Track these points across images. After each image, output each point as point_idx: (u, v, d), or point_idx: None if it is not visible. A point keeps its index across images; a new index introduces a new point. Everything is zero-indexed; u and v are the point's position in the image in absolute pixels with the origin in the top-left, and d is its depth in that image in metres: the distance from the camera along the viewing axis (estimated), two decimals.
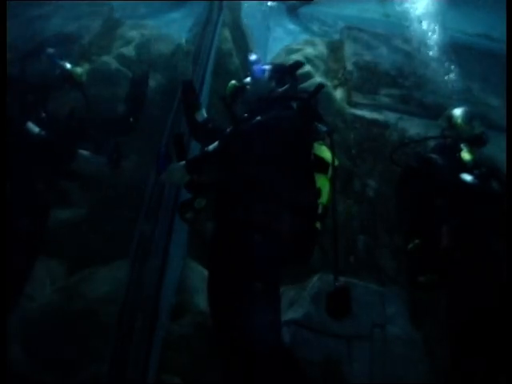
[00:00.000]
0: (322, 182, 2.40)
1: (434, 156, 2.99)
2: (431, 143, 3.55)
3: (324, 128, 2.53)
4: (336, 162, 2.51)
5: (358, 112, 5.14)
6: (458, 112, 3.23)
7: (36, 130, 2.72)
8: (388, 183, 4.44)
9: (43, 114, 2.94)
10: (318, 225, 2.37)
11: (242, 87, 2.83)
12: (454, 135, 3.14)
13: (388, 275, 4.15)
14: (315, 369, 3.40)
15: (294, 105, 2.54)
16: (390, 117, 5.16)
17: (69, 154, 2.83)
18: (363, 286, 3.85)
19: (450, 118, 3.24)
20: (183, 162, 2.39)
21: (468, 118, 3.19)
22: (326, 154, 2.48)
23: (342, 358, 3.51)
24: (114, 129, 3.27)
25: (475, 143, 3.04)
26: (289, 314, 3.62)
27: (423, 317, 3.91)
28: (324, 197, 2.38)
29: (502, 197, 2.75)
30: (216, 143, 2.33)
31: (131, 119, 3.21)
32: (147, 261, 2.90)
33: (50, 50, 3.15)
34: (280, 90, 2.70)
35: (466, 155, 2.92)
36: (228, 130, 2.56)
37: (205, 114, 2.95)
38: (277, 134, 2.31)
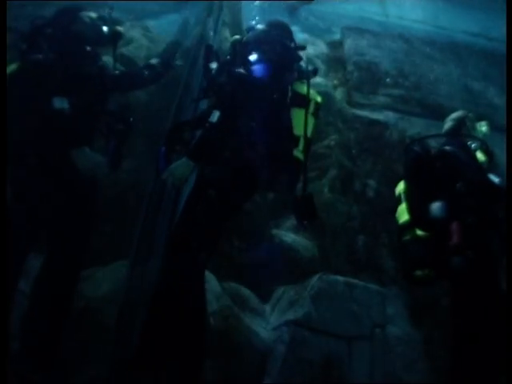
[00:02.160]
0: (300, 116, 2.61)
1: (456, 150, 2.94)
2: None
3: (309, 67, 2.76)
4: (319, 99, 2.74)
5: (358, 112, 5.14)
6: (484, 123, 3.32)
7: (62, 105, 2.71)
8: (388, 183, 4.44)
9: (100, 62, 3.12)
10: (297, 154, 2.60)
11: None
12: (476, 138, 3.13)
13: (388, 275, 4.15)
14: (315, 369, 3.40)
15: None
16: (390, 117, 5.16)
17: (80, 139, 2.84)
18: (363, 285, 3.85)
19: (470, 120, 3.25)
20: (184, 157, 2.46)
21: (477, 119, 3.29)
22: (306, 90, 2.68)
23: (342, 358, 3.51)
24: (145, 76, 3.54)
25: (485, 143, 3.06)
26: (289, 314, 3.62)
27: (423, 317, 3.91)
28: (302, 129, 2.61)
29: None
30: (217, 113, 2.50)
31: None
32: (147, 261, 2.90)
33: (94, 15, 3.35)
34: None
35: (481, 156, 2.92)
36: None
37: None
38: (253, 83, 2.58)
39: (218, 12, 4.81)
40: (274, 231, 4.22)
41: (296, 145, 2.59)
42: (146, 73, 3.60)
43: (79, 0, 5.48)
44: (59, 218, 2.92)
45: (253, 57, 2.99)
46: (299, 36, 6.47)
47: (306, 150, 2.66)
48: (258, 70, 2.82)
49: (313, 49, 5.81)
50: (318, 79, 5.24)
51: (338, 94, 5.34)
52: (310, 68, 2.76)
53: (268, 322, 3.70)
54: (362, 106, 5.23)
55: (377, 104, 5.28)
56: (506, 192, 2.72)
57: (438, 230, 2.80)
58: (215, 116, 2.49)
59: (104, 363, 2.72)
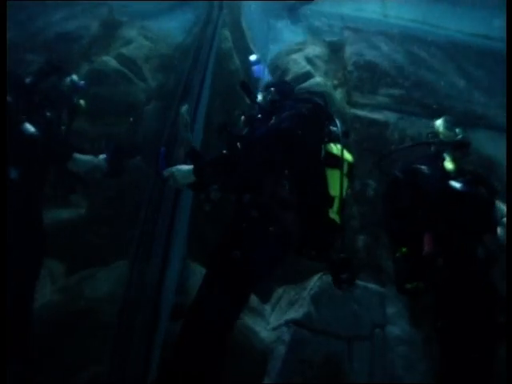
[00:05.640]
0: (335, 177, 2.50)
1: (419, 166, 3.03)
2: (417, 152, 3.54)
3: (339, 130, 2.63)
4: (350, 159, 2.63)
5: (358, 112, 5.14)
6: (439, 120, 3.27)
7: (32, 130, 2.77)
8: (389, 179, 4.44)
9: (48, 114, 3.05)
10: (333, 216, 2.48)
11: (250, 117, 2.83)
12: (437, 142, 3.15)
13: (388, 275, 4.15)
14: (315, 369, 3.40)
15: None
16: (390, 117, 5.16)
17: (63, 154, 2.87)
18: (363, 286, 3.85)
19: (433, 126, 3.27)
20: (191, 166, 2.40)
21: (449, 124, 3.22)
22: (339, 152, 2.57)
23: (342, 358, 3.51)
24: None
25: (458, 149, 3.05)
26: (289, 314, 3.62)
27: (423, 317, 3.91)
28: (338, 190, 2.51)
29: (489, 202, 2.76)
30: (231, 149, 2.41)
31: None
32: (147, 261, 2.90)
33: (76, 79, 3.32)
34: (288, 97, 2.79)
35: (448, 164, 2.96)
36: (244, 134, 2.65)
37: None
38: (287, 136, 2.39)
39: (217, 12, 4.81)
40: None
41: (331, 205, 2.48)
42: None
43: (78, 0, 5.50)
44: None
45: (252, 57, 3.02)
46: (299, 36, 6.49)
47: (341, 211, 2.55)
48: (257, 69, 2.84)
49: (313, 49, 5.81)
50: (317, 79, 5.25)
51: (338, 94, 5.34)
52: (342, 130, 2.66)
53: (268, 322, 3.70)
54: (361, 106, 5.22)
55: (377, 104, 5.28)
56: (471, 195, 2.78)
57: (415, 243, 2.87)
58: (231, 149, 2.43)
59: (104, 363, 2.72)
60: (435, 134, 3.22)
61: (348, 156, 2.63)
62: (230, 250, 2.33)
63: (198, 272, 3.65)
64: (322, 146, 2.54)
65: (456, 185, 2.82)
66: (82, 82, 3.33)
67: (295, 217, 2.38)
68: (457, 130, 3.15)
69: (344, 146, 2.59)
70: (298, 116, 2.47)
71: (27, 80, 3.05)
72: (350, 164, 2.62)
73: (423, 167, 3.00)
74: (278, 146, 2.36)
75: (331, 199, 2.48)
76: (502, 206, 2.77)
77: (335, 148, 2.57)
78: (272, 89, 2.80)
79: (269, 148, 2.37)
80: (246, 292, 2.45)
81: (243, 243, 2.35)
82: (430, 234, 2.81)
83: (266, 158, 2.37)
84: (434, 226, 2.83)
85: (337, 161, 2.53)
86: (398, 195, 3.11)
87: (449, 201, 2.83)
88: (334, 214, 2.49)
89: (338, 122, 2.66)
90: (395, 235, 3.12)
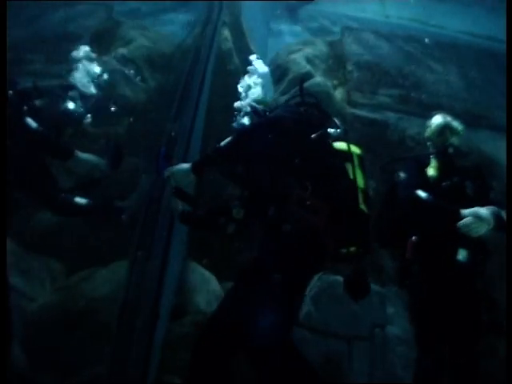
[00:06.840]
0: (352, 170, 2.50)
1: (400, 174, 3.03)
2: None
3: (337, 132, 2.61)
4: (358, 151, 2.61)
5: (358, 112, 5.14)
6: (430, 122, 3.19)
7: (34, 124, 2.77)
8: (388, 183, 4.44)
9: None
10: (362, 207, 2.44)
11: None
12: (432, 152, 3.12)
13: (388, 275, 4.15)
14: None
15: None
16: (390, 117, 5.17)
17: (65, 151, 2.86)
18: None
19: (426, 127, 3.25)
20: (190, 164, 2.41)
21: (438, 128, 3.11)
22: (346, 147, 2.57)
23: (342, 358, 3.51)
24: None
25: (441, 156, 3.00)
26: None
27: None
28: (358, 182, 2.49)
29: (452, 213, 2.76)
30: (229, 138, 2.39)
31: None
32: (147, 261, 2.90)
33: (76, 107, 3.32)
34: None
35: (430, 170, 2.95)
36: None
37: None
38: (279, 121, 2.42)
39: (217, 12, 4.81)
40: None
41: (357, 197, 2.43)
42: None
43: (78, 0, 5.51)
44: None
45: (252, 57, 3.04)
46: (299, 36, 6.49)
47: (367, 201, 2.48)
48: (257, 65, 2.85)
49: (313, 49, 5.81)
50: (317, 79, 5.25)
51: (338, 93, 5.34)
52: (337, 132, 2.62)
53: None
54: (361, 106, 5.23)
55: (377, 104, 5.28)
56: (433, 205, 2.80)
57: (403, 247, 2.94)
58: (225, 141, 2.39)
59: (104, 363, 2.72)
60: (428, 137, 3.19)
61: (355, 149, 2.61)
62: (268, 272, 2.22)
63: (198, 272, 3.66)
64: (329, 142, 2.53)
65: (421, 194, 2.82)
66: (77, 114, 3.30)
67: (326, 218, 2.30)
68: (447, 134, 3.08)
69: (349, 141, 2.58)
70: (294, 111, 2.49)
71: (27, 88, 3.04)
72: (359, 156, 2.59)
73: (402, 175, 3.01)
74: (270, 131, 2.37)
75: (357, 190, 2.44)
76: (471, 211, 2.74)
77: (339, 145, 2.55)
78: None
79: (262, 131, 2.37)
80: (292, 308, 2.33)
81: (281, 263, 2.25)
82: (412, 241, 2.86)
83: (259, 142, 2.35)
84: (413, 233, 2.87)
85: (345, 155, 2.52)
86: (395, 202, 3.11)
87: (414, 209, 2.87)
88: (361, 205, 2.44)
89: (336, 121, 2.66)
90: (386, 243, 3.20)
